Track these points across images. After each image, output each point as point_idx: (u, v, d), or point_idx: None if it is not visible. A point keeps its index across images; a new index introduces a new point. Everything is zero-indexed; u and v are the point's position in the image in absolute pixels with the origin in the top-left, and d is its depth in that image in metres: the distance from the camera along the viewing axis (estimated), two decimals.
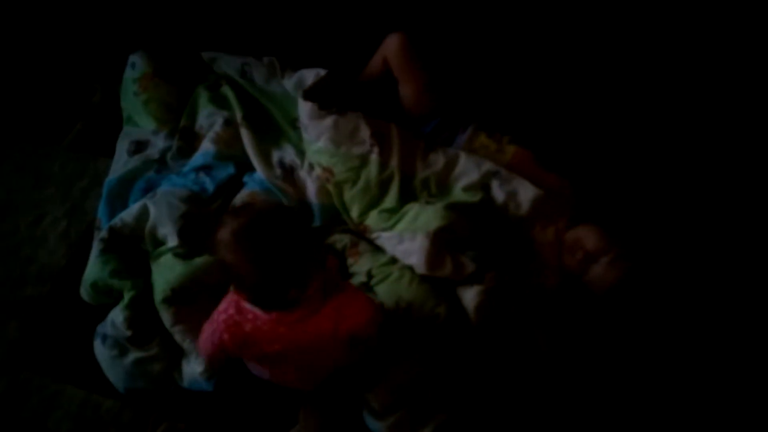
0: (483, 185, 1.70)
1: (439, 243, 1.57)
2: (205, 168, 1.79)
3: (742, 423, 1.60)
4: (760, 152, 1.99)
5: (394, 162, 1.73)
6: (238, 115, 1.89)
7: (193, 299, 1.55)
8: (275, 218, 1.24)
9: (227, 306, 1.33)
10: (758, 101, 2.07)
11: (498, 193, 1.69)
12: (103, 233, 1.67)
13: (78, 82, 2.14)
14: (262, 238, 1.19)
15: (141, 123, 1.94)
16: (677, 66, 2.14)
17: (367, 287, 1.61)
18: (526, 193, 1.66)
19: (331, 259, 1.57)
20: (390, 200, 1.71)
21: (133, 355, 1.56)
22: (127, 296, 1.58)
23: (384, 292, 1.58)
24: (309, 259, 1.26)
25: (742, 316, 1.72)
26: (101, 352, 1.59)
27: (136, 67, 1.97)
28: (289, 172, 1.81)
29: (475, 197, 1.68)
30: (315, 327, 1.29)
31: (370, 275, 1.62)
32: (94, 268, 1.63)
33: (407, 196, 1.72)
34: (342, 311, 1.31)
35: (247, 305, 1.29)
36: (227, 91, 1.96)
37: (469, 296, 1.58)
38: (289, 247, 1.21)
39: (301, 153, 1.84)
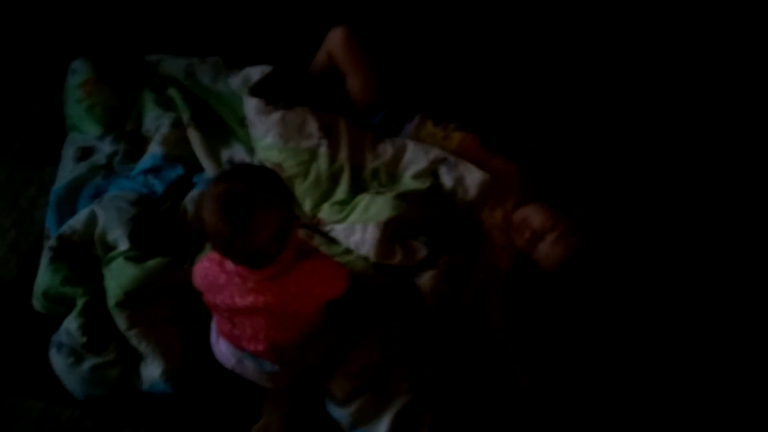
0: (431, 172, 1.73)
1: (390, 233, 1.60)
2: (154, 170, 1.77)
3: (694, 395, 1.65)
4: (709, 115, 2.06)
5: (343, 154, 1.74)
6: (185, 117, 1.88)
7: (147, 302, 1.54)
8: (264, 187, 1.21)
9: (209, 258, 1.34)
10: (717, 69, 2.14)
11: (446, 179, 1.72)
12: (52, 242, 1.65)
13: (18, 92, 2.10)
14: (247, 204, 1.17)
15: (86, 129, 1.91)
16: (623, 38, 2.19)
17: None
18: (473, 177, 1.70)
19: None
20: (341, 192, 1.72)
21: (89, 362, 1.55)
22: (80, 303, 1.56)
23: None
24: (285, 234, 1.24)
25: (693, 287, 1.77)
26: (57, 361, 1.57)
27: (77, 73, 1.94)
28: None
29: (424, 184, 1.70)
30: (282, 288, 1.29)
31: None
32: (44, 277, 1.61)
33: (358, 187, 1.74)
34: (312, 276, 1.32)
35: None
36: (173, 92, 1.94)
37: (424, 281, 1.62)
38: (270, 219, 1.19)
39: (251, 150, 1.85)
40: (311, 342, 1.45)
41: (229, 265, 1.29)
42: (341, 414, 1.52)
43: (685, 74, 2.14)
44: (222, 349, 1.47)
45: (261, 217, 1.18)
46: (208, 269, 1.33)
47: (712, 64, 2.15)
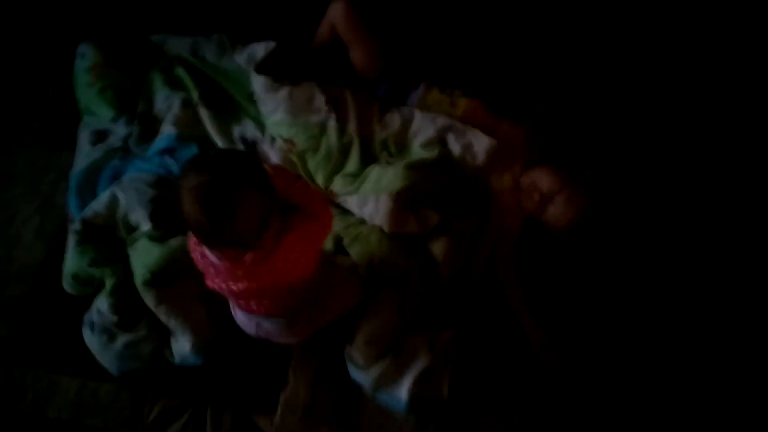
0: (440, 140, 1.76)
1: (402, 202, 1.64)
2: (169, 150, 1.81)
3: (704, 351, 1.68)
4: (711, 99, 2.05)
5: (351, 127, 1.77)
6: (195, 95, 1.91)
7: (173, 279, 1.60)
8: (240, 174, 1.18)
9: (192, 250, 1.36)
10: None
11: (454, 146, 1.75)
12: (76, 225, 1.69)
13: (29, 79, 2.12)
14: (224, 199, 1.14)
15: (98, 112, 1.95)
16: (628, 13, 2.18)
17: (340, 249, 1.68)
18: (480, 143, 1.73)
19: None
20: (352, 164, 1.76)
21: (122, 339, 1.61)
22: (108, 283, 1.62)
23: (356, 252, 1.65)
24: (267, 219, 1.22)
25: (700, 246, 1.80)
26: (91, 339, 1.64)
27: (85, 57, 1.96)
28: (252, 146, 1.84)
29: (433, 153, 1.73)
30: (270, 268, 1.30)
31: (339, 237, 1.69)
32: (72, 261, 1.66)
33: (368, 158, 1.77)
34: (295, 246, 1.32)
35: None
36: (181, 72, 1.97)
37: (437, 247, 1.66)
38: (251, 208, 1.17)
39: (261, 126, 1.87)
40: (319, 296, 1.50)
41: (212, 256, 1.29)
42: (364, 379, 1.58)
43: (693, 35, 2.12)
44: (240, 318, 1.53)
45: (242, 207, 1.16)
46: (198, 258, 1.34)
47: (720, 26, 2.13)
